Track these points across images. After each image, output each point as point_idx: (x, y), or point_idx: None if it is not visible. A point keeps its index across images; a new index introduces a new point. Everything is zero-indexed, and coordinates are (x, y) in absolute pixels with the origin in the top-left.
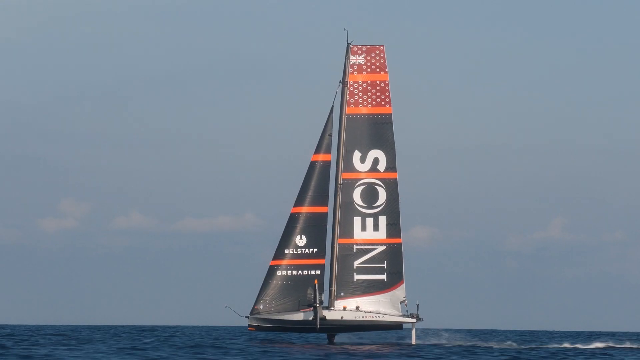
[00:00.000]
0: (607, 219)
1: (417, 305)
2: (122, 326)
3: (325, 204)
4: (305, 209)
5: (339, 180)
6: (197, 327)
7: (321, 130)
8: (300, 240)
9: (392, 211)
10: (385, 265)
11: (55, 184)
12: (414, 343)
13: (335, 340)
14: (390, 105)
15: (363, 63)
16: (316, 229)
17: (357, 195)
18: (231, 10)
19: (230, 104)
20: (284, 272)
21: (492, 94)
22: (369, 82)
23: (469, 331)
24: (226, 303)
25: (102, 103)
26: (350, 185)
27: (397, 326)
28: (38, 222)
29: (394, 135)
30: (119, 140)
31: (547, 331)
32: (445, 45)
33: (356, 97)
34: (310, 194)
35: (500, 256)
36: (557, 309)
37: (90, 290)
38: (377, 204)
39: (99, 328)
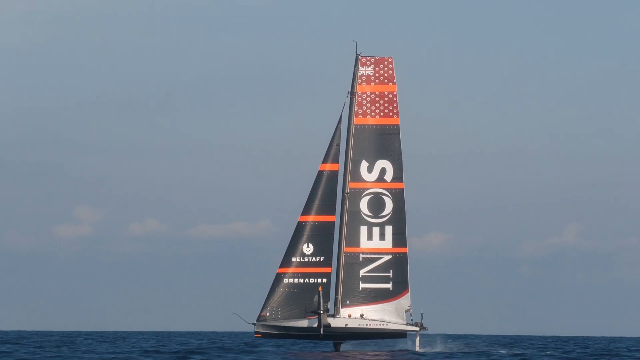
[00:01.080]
0: (623, 225)
1: (422, 314)
2: (140, 332)
3: (333, 212)
4: (312, 218)
5: (346, 190)
6: (213, 332)
7: (329, 140)
8: (307, 248)
9: (398, 221)
10: (390, 274)
11: (70, 190)
12: (417, 350)
13: (340, 349)
14: (397, 116)
15: (372, 74)
16: (323, 237)
17: (363, 205)
18: (241, 21)
19: (241, 112)
20: (291, 280)
21: (501, 102)
22: (377, 93)
23: (487, 337)
24: (240, 309)
25: (117, 110)
26: (357, 194)
27: (401, 334)
28: (53, 229)
29: (401, 146)
30: (134, 147)
31: (563, 336)
32: (453, 57)
33: (364, 108)
34: (317, 202)
35: (515, 262)
36: (573, 315)
37: (105, 296)
38: (384, 213)
39: (115, 334)
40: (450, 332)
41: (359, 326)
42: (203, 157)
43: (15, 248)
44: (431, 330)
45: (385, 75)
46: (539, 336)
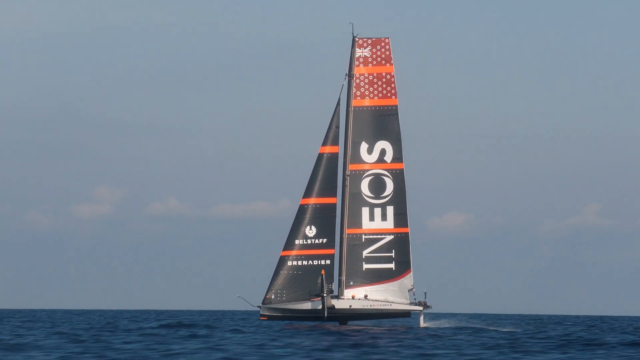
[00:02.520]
0: None
1: (425, 293)
2: (161, 310)
3: (334, 195)
4: (314, 200)
5: (347, 172)
6: (233, 311)
7: (328, 123)
8: (310, 230)
9: (399, 201)
10: (393, 254)
11: (91, 170)
12: (422, 326)
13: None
14: (396, 97)
15: (369, 55)
16: (325, 219)
17: (364, 186)
18: (237, 4)
19: (240, 96)
20: (294, 262)
21: (505, 82)
22: (374, 75)
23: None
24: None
25: (140, 91)
26: (357, 176)
27: (405, 314)
28: (73, 208)
29: (400, 126)
30: (155, 126)
31: (586, 316)
32: (450, 36)
33: (362, 90)
34: (318, 185)
35: (535, 242)
36: (592, 294)
37: (125, 275)
38: (385, 194)
39: (139, 312)
40: (471, 312)
41: (362, 307)
42: (224, 137)
43: (36, 227)
44: (449, 309)
45: (383, 56)
46: (560, 315)
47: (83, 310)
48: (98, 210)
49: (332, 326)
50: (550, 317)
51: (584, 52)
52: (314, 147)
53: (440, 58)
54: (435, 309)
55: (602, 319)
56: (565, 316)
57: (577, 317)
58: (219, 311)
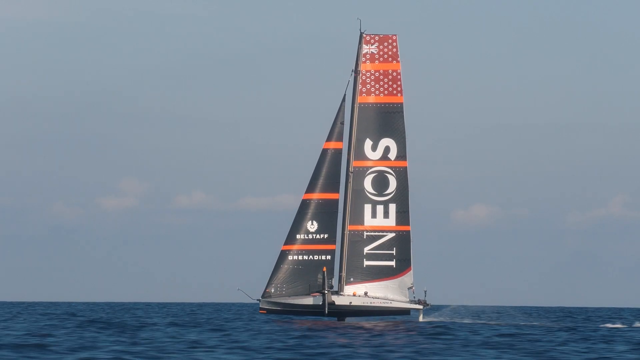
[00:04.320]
0: None
1: (425, 292)
2: (181, 303)
3: (337, 191)
4: (316, 196)
5: (350, 168)
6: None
7: (333, 119)
8: (312, 225)
9: (402, 199)
10: (394, 252)
11: (117, 163)
12: (420, 320)
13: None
14: (401, 95)
15: (375, 52)
16: (327, 215)
17: (367, 183)
18: (244, 0)
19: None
20: (295, 257)
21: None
22: (381, 71)
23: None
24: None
25: (166, 83)
26: (361, 173)
27: (405, 312)
28: (99, 201)
29: (405, 124)
30: (181, 119)
31: (608, 308)
32: (458, 34)
33: (368, 86)
34: (321, 181)
35: (560, 234)
36: (619, 286)
37: (150, 268)
38: (388, 191)
39: (162, 305)
40: (494, 304)
41: (362, 304)
42: (248, 130)
43: (62, 220)
44: (472, 301)
45: (389, 53)
46: (585, 307)
47: (107, 302)
48: (124, 203)
49: (331, 323)
50: (577, 309)
51: (606, 41)
52: (319, 142)
53: (448, 55)
54: (460, 301)
55: (621, 311)
56: (597, 308)
57: (605, 308)
58: (246, 304)
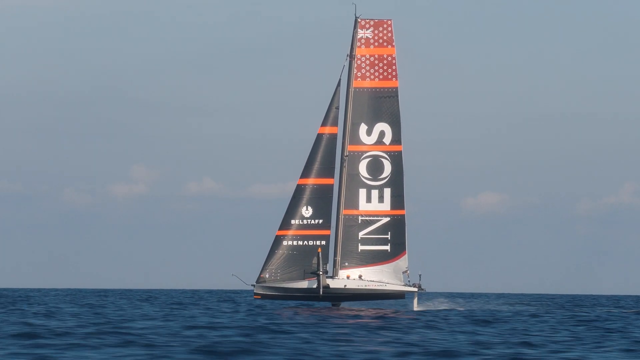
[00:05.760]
0: None
1: (420, 276)
2: (197, 290)
3: (332, 175)
4: (311, 181)
5: (345, 153)
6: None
7: (328, 103)
8: (307, 211)
9: (396, 183)
10: (389, 236)
11: (127, 149)
12: (415, 309)
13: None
14: (396, 79)
15: (371, 37)
16: (322, 200)
17: (362, 168)
18: None
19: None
20: (290, 242)
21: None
22: (376, 56)
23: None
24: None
25: (175, 71)
26: (356, 157)
27: (399, 295)
28: (109, 188)
29: (400, 109)
30: (190, 106)
31: (618, 295)
32: (453, 19)
33: (363, 71)
34: (316, 165)
35: (571, 221)
36: (629, 274)
37: (161, 255)
38: (382, 176)
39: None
40: (504, 292)
41: (357, 287)
42: (259, 117)
43: (72, 206)
44: (484, 289)
45: (385, 38)
46: (596, 295)
47: (117, 289)
48: (134, 189)
49: (326, 310)
50: (586, 297)
51: (614, 27)
52: (312, 127)
53: (444, 40)
54: (468, 288)
55: (629, 298)
56: (602, 296)
57: (615, 296)
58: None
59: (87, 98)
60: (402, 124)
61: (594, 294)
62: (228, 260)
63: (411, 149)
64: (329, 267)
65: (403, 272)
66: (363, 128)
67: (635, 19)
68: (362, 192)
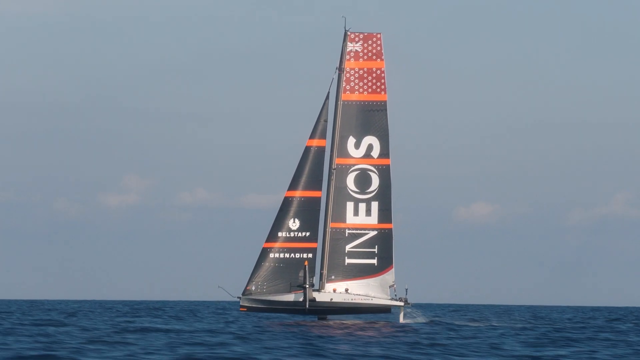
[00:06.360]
0: None
1: (406, 290)
2: (185, 302)
3: (319, 188)
4: (299, 193)
5: (333, 166)
6: None
7: (317, 116)
8: (294, 223)
9: (384, 197)
10: (376, 249)
11: (119, 159)
12: (401, 322)
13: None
14: (385, 93)
15: (360, 50)
16: (309, 213)
17: (350, 181)
18: None
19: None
20: (277, 255)
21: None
22: (365, 69)
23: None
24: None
25: (168, 79)
26: (344, 170)
27: (385, 309)
28: (101, 197)
29: (388, 122)
30: (183, 116)
31: (608, 307)
32: (442, 32)
33: (352, 84)
34: (304, 178)
35: (562, 232)
36: (621, 285)
37: (152, 265)
38: (370, 189)
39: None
40: (498, 303)
41: (343, 300)
42: (253, 126)
43: (64, 215)
44: (476, 300)
45: (374, 51)
46: (586, 307)
47: (108, 300)
48: (126, 199)
49: (311, 323)
50: (577, 308)
51: (606, 35)
52: (301, 140)
53: (433, 54)
54: (460, 299)
55: (621, 310)
56: (592, 307)
57: (608, 307)
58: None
59: (79, 107)
60: (393, 135)
61: (584, 305)
62: (220, 271)
63: (404, 160)
64: (316, 280)
65: (390, 286)
66: (351, 141)
67: (622, 25)
68: (350, 206)
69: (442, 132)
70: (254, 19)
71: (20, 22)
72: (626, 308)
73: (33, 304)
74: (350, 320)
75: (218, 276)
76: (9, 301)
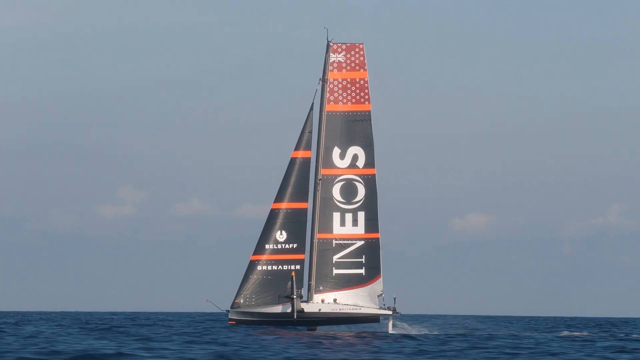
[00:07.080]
0: None
1: (394, 299)
2: (182, 313)
3: (305, 199)
4: (285, 205)
5: (319, 177)
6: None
7: (301, 127)
8: (281, 235)
9: (370, 207)
10: (363, 259)
11: (114, 171)
12: (390, 332)
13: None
14: (369, 103)
15: (343, 61)
16: (296, 224)
17: (336, 191)
18: (213, 8)
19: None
20: (264, 267)
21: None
22: (348, 80)
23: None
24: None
25: (163, 92)
26: (329, 181)
27: (374, 319)
28: (96, 209)
29: (373, 132)
30: (179, 127)
31: (605, 318)
32: (425, 42)
33: (336, 95)
34: (290, 190)
35: (557, 243)
36: (616, 296)
37: (149, 277)
38: (356, 199)
39: (163, 314)
40: (492, 314)
41: (332, 311)
42: (247, 138)
43: (59, 228)
44: (469, 310)
45: (357, 61)
46: (582, 317)
47: (106, 312)
48: (121, 211)
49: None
50: (573, 319)
51: (595, 44)
52: (286, 151)
53: (416, 63)
54: (456, 310)
55: (615, 321)
56: (589, 318)
57: (602, 318)
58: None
59: (73, 118)
60: (388, 146)
61: (580, 316)
62: (215, 282)
63: (396, 170)
64: (304, 291)
65: (378, 296)
66: (336, 152)
67: (613, 35)
68: (336, 216)
69: (437, 142)
70: (237, 32)
71: (14, 35)
72: (628, 319)
73: (24, 316)
74: (340, 331)
75: (212, 287)
76: (3, 313)
